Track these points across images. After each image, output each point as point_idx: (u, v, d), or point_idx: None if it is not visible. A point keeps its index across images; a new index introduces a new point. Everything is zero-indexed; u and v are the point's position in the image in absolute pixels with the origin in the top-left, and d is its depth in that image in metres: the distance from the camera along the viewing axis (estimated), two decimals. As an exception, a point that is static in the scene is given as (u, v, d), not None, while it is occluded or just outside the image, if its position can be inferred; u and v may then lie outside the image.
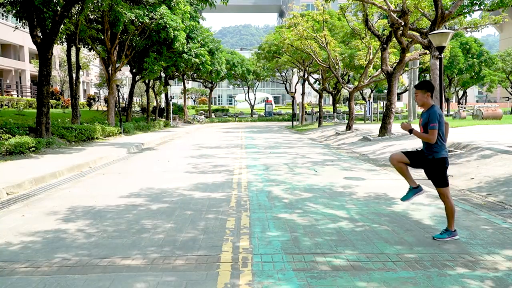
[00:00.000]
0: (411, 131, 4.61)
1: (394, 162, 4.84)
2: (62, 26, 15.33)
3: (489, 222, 5.28)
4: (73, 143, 15.47)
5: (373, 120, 34.31)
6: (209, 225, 5.21)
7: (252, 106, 56.70)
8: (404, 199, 4.91)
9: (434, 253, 4.17)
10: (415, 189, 4.86)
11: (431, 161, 4.66)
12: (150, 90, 34.35)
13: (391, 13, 12.73)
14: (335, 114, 40.26)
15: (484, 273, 3.67)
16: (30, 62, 38.83)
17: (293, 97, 39.69)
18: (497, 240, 4.57)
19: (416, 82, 28.47)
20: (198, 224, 5.27)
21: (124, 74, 44.98)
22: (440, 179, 4.68)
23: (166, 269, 3.82)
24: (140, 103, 47.25)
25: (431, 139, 4.53)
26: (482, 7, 11.53)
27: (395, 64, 17.31)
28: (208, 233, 4.90)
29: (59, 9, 13.64)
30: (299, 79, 41.92)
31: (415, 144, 13.06)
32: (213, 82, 47.39)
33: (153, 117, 35.36)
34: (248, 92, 55.98)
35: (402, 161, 4.81)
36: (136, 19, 19.37)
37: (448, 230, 4.66)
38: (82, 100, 40.30)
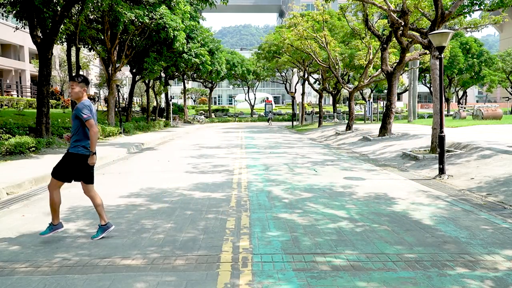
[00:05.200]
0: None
1: (50, 190, 4.64)
2: (62, 26, 15.33)
3: (489, 222, 5.28)
4: (73, 143, 15.45)
5: (373, 120, 34.30)
6: (209, 225, 5.21)
7: (252, 106, 56.69)
8: (42, 233, 4.66)
9: (434, 253, 4.17)
10: (55, 226, 4.67)
11: (68, 154, 4.59)
12: (150, 90, 34.35)
13: (391, 13, 12.73)
14: (335, 114, 40.25)
15: (484, 273, 3.67)
16: (30, 62, 38.81)
17: (293, 97, 39.69)
18: (497, 240, 4.57)
19: (416, 82, 28.62)
20: (198, 224, 5.27)
21: (124, 74, 44.96)
22: (60, 170, 4.58)
23: (166, 269, 3.82)
24: (140, 103, 47.26)
25: (94, 130, 4.50)
26: (482, 7, 11.52)
27: (395, 64, 17.31)
28: (208, 233, 4.90)
29: (59, 9, 13.64)
30: (299, 79, 41.91)
31: (415, 144, 13.06)
32: (213, 82, 47.39)
33: (153, 117, 35.36)
34: (248, 92, 55.98)
35: (58, 186, 4.63)
36: (136, 19, 19.36)
37: (100, 226, 4.71)
38: (82, 100, 40.21)
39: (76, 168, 4.62)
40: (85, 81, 4.69)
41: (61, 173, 4.63)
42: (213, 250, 4.31)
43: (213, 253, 4.22)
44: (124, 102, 32.46)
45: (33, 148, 12.06)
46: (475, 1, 11.36)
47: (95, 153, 4.62)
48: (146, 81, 31.87)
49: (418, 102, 39.60)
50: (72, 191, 7.52)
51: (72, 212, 5.93)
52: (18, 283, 3.55)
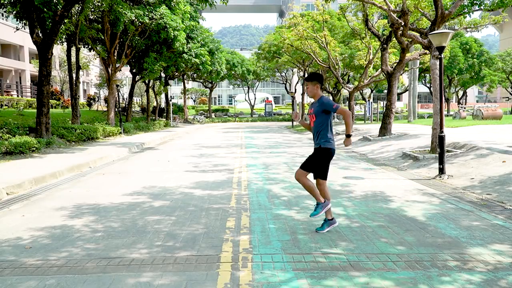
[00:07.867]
0: (349, 135, 4.81)
1: (300, 178, 4.83)
2: (62, 26, 15.33)
3: (490, 222, 5.28)
4: (73, 143, 15.47)
5: (373, 120, 34.28)
6: (209, 225, 5.21)
7: (252, 106, 56.66)
8: (312, 215, 4.88)
9: (434, 253, 4.17)
10: (321, 204, 4.86)
11: (317, 150, 4.79)
12: (150, 90, 34.34)
13: (391, 13, 12.73)
14: (335, 114, 40.11)
15: (483, 273, 3.67)
16: (30, 62, 38.81)
17: (293, 97, 39.67)
18: (497, 240, 4.57)
19: (416, 82, 28.62)
20: (198, 223, 5.28)
21: (124, 74, 44.97)
22: (320, 169, 4.81)
23: (166, 268, 3.82)
24: (140, 103, 47.22)
25: (348, 113, 4.70)
26: (482, 7, 11.52)
27: (395, 64, 17.31)
28: (208, 232, 4.90)
29: (59, 9, 13.65)
30: (299, 79, 41.90)
31: (414, 143, 13.06)
32: (213, 82, 47.36)
33: (153, 117, 35.35)
34: (248, 92, 55.95)
35: (305, 175, 4.84)
36: (136, 19, 19.36)
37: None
38: (82, 100, 40.28)
39: (317, 159, 4.80)
40: (316, 79, 4.83)
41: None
42: (213, 250, 4.31)
43: (213, 253, 4.22)
44: (124, 102, 32.45)
45: (33, 148, 12.06)
46: (475, 1, 11.36)
47: (349, 135, 4.83)
48: (146, 81, 31.86)
49: (418, 102, 39.60)
50: (72, 191, 7.53)
51: (72, 212, 5.93)
52: (18, 283, 3.55)
